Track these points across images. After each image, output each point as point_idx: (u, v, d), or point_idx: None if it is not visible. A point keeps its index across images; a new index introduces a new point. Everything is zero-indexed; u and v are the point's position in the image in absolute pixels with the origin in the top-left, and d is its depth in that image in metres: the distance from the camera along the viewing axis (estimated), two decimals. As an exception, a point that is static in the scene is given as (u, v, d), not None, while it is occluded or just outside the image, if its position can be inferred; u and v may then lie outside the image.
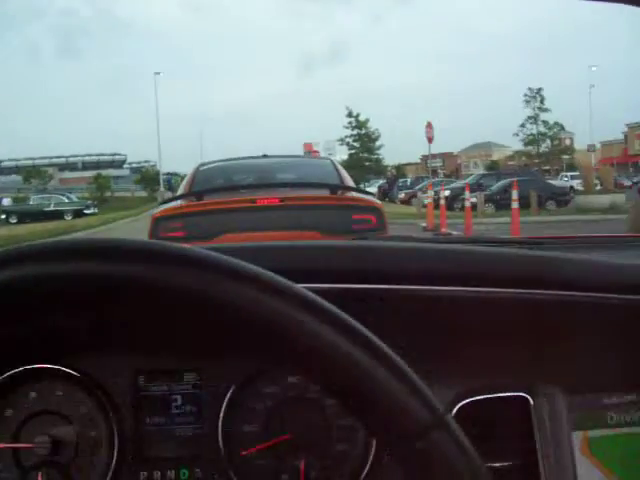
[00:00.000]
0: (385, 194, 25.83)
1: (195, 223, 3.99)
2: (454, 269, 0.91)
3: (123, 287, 0.48)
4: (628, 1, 0.79)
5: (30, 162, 58.95)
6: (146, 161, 59.50)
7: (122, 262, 0.48)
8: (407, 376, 0.47)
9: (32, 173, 50.99)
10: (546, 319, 0.90)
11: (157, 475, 0.98)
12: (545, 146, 43.85)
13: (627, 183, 32.18)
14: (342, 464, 0.98)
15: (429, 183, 20.52)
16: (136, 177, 53.29)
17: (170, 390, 1.00)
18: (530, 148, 44.22)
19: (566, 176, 35.72)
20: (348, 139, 44.87)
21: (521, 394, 0.91)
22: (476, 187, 23.46)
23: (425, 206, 17.49)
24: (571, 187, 25.78)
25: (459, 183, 28.26)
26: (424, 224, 15.47)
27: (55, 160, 64.68)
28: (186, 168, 5.65)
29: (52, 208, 33.25)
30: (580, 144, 48.66)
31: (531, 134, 43.34)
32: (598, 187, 21.02)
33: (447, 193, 20.00)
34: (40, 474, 0.98)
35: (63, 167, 65.73)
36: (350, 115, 44.54)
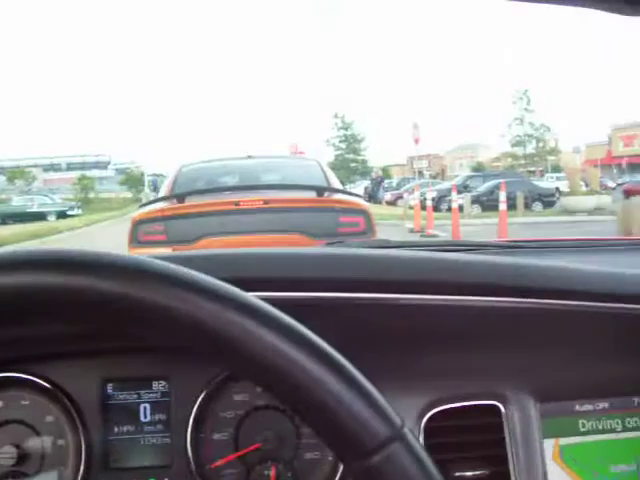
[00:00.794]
0: (371, 195, 25.83)
1: (176, 226, 3.95)
2: (422, 277, 0.90)
3: (79, 299, 0.46)
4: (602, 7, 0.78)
5: (14, 163, 58.54)
6: (131, 162, 59.23)
7: (76, 273, 0.46)
8: (363, 388, 0.45)
9: (16, 174, 50.62)
10: (517, 327, 0.89)
11: None
12: (531, 147, 44.10)
13: (611, 184, 32.43)
14: (312, 472, 0.97)
15: (416, 184, 20.55)
16: (121, 178, 53.04)
17: (139, 399, 0.99)
18: (516, 149, 44.46)
19: (552, 177, 35.94)
20: (334, 140, 45.01)
21: (492, 402, 0.90)
22: (462, 188, 23.56)
23: (411, 207, 17.52)
24: (557, 188, 25.89)
25: (445, 184, 28.34)
26: (410, 225, 15.50)
27: (39, 161, 64.24)
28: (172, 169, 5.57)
29: (35, 209, 32.97)
30: (565, 146, 49.07)
31: (518, 135, 43.59)
32: (583, 188, 21.13)
33: (434, 194, 20.04)
34: None
35: (47, 168, 65.31)
36: (336, 116, 44.67)
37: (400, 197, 27.01)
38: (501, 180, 16.94)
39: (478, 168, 48.86)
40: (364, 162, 45.50)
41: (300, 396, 0.45)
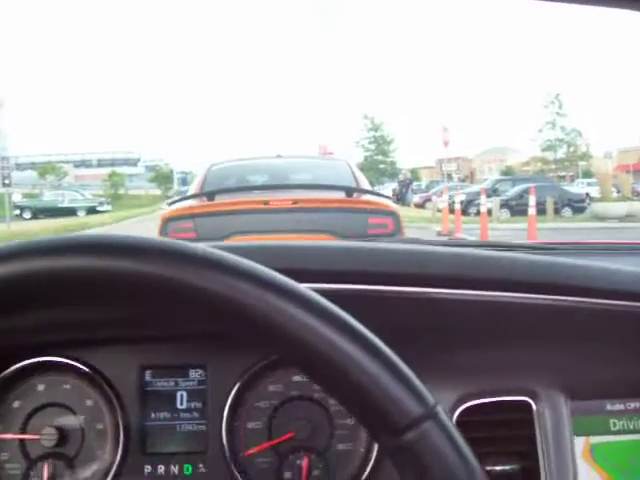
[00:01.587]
0: (399, 197, 25.73)
1: (206, 224, 3.98)
2: (457, 272, 0.91)
3: (125, 283, 0.48)
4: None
5: (46, 158, 59.37)
6: (160, 159, 59.74)
7: (125, 258, 0.48)
8: (398, 367, 0.47)
9: (47, 169, 51.31)
10: (550, 324, 0.90)
11: (161, 470, 0.99)
12: (562, 152, 43.59)
13: (644, 190, 31.89)
14: (344, 463, 0.99)
15: (445, 187, 20.44)
16: (151, 175, 53.55)
17: (176, 386, 1.01)
18: (547, 154, 43.98)
19: (582, 183, 35.48)
20: (363, 141, 44.95)
21: (523, 398, 0.91)
22: (491, 192, 23.36)
23: (440, 210, 17.41)
24: (587, 194, 25.54)
25: (474, 188, 28.13)
26: (438, 228, 15.40)
27: (70, 157, 65.08)
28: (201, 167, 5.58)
29: (66, 205, 33.45)
30: (597, 151, 48.41)
31: (548, 140, 43.12)
32: (615, 194, 20.82)
33: (462, 198, 19.90)
34: (46, 465, 1.00)
35: (78, 164, 66.11)
36: (366, 117, 44.59)
37: (428, 200, 26.86)
38: (531, 184, 16.76)
39: (507, 172, 48.48)
40: (393, 164, 45.35)
41: (336, 375, 0.46)
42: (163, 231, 4.05)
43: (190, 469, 0.99)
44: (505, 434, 0.89)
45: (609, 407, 0.88)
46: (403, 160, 49.09)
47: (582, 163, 45.56)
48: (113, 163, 63.02)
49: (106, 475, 0.99)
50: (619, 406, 0.89)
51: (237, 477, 0.97)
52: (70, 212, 31.70)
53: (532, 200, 12.36)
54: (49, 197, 35.64)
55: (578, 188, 31.41)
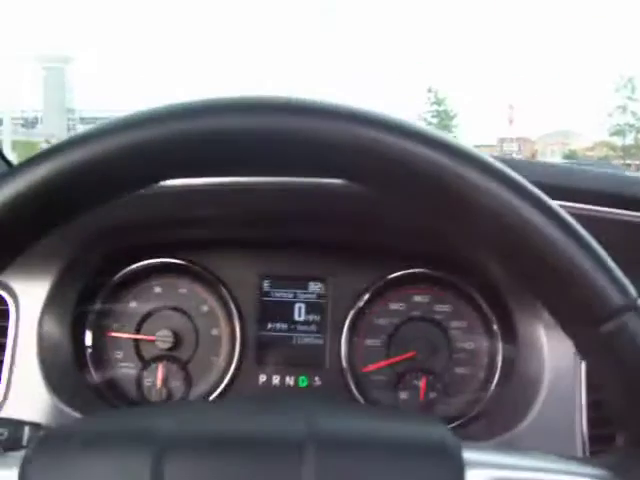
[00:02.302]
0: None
1: None
2: None
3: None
4: None
5: (108, 114, 60.59)
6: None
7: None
8: (601, 256, 0.44)
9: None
10: None
11: (276, 380, 0.99)
12: (631, 138, 42.25)
13: None
14: (462, 387, 0.97)
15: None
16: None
17: (294, 297, 1.01)
18: (614, 139, 42.71)
19: (650, 172, 34.40)
20: (425, 115, 44.35)
21: None
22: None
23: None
24: (654, 184, 24.74)
25: (535, 169, 27.54)
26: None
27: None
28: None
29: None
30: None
31: (617, 124, 41.82)
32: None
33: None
34: (160, 366, 1.01)
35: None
36: (429, 90, 43.97)
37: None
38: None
39: (570, 156, 47.29)
40: (455, 139, 44.70)
41: (532, 258, 0.44)
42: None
43: (305, 381, 0.98)
44: None
45: None
46: (464, 137, 48.44)
47: (651, 152, 44.14)
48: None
49: (220, 382, 0.99)
50: None
51: (354, 392, 0.96)
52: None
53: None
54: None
55: (645, 177, 30.43)
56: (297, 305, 1.00)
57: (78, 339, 1.00)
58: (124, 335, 1.01)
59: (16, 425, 0.70)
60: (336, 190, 0.76)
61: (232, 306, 0.99)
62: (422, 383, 0.95)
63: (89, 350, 1.01)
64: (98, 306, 1.01)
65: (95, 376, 1.01)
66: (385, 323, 0.99)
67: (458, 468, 0.40)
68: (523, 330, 0.93)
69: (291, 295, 1.00)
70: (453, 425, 0.94)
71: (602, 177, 0.92)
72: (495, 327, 0.98)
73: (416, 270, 0.99)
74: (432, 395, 0.96)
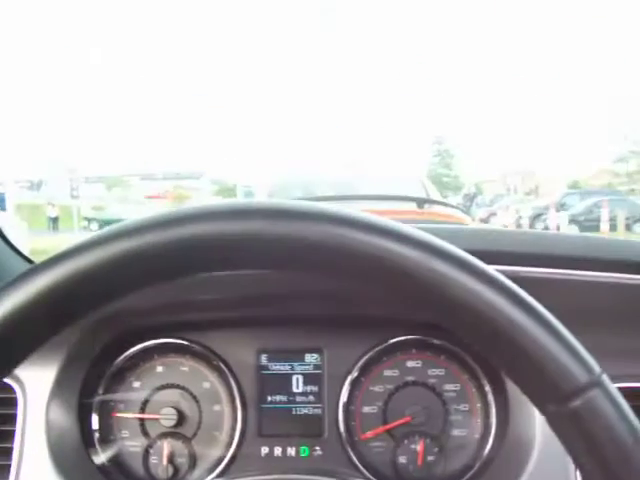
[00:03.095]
0: (463, 211, 25.26)
1: None
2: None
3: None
4: None
5: (113, 173, 61.16)
6: (223, 175, 60.66)
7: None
8: (565, 336, 0.46)
9: (114, 182, 52.84)
10: None
11: (278, 451, 1.02)
12: (635, 164, 42.28)
13: None
14: (459, 449, 0.99)
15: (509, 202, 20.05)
16: (215, 189, 54.55)
17: (292, 370, 1.04)
18: (618, 165, 42.74)
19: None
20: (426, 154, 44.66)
21: None
22: (559, 206, 22.79)
23: (506, 226, 17.12)
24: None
25: (540, 202, 27.50)
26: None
27: (137, 171, 66.87)
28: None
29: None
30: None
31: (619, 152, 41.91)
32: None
33: (530, 212, 19.43)
34: (165, 443, 1.03)
35: (145, 177, 67.91)
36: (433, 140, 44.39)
37: (494, 214, 26.44)
38: (601, 198, 16.24)
39: (574, 185, 47.27)
40: (456, 177, 44.95)
41: (500, 340, 0.46)
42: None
43: (307, 451, 1.01)
44: None
45: None
46: (466, 173, 48.61)
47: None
48: (178, 176, 64.49)
49: (224, 456, 1.02)
50: None
51: (354, 460, 0.99)
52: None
53: (605, 214, 12.00)
54: (115, 211, 36.58)
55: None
56: (295, 377, 1.03)
57: (85, 422, 1.03)
58: (129, 415, 1.04)
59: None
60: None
61: (232, 382, 1.02)
62: (420, 447, 0.98)
63: (96, 432, 1.04)
64: (103, 389, 1.05)
65: (102, 456, 1.04)
66: (380, 390, 1.02)
67: None
68: (513, 391, 0.95)
69: (288, 367, 1.04)
70: None
71: (570, 240, 0.96)
72: (487, 389, 1.01)
73: (408, 337, 1.03)
74: (430, 458, 0.98)
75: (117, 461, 1.04)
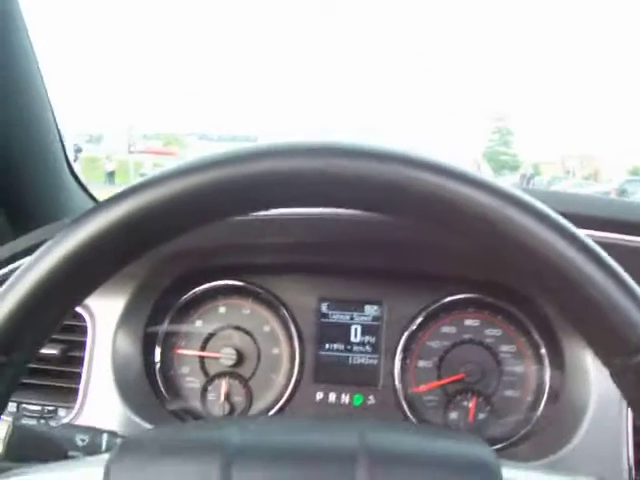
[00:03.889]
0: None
1: None
2: None
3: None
4: None
5: (172, 132, 61.83)
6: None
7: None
8: (634, 290, 0.47)
9: (171, 140, 53.39)
10: None
11: (332, 398, 1.04)
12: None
13: None
14: (510, 409, 1.00)
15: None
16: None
17: (351, 320, 1.06)
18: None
19: None
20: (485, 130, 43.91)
21: None
22: (620, 193, 22.11)
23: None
24: None
25: (599, 187, 26.73)
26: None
27: (194, 130, 67.55)
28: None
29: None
30: None
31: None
32: None
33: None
34: (224, 382, 1.07)
35: (201, 137, 68.51)
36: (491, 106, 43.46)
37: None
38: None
39: (634, 172, 45.87)
40: (514, 156, 44.07)
41: (570, 291, 0.47)
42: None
43: (360, 400, 1.03)
44: None
45: None
46: (525, 153, 47.56)
47: None
48: (233, 139, 64.96)
49: (279, 398, 1.05)
50: None
51: (406, 411, 1.01)
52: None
53: (667, 201, 11.60)
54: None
55: None
56: (353, 327, 1.05)
57: (148, 355, 1.07)
58: (190, 352, 1.08)
59: (95, 432, 0.76)
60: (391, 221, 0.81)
61: (292, 327, 1.05)
62: (472, 404, 0.99)
63: (157, 365, 1.08)
64: (167, 325, 1.09)
65: (163, 389, 1.08)
66: (437, 346, 1.03)
67: None
68: (570, 356, 0.96)
69: (348, 317, 1.06)
70: (500, 446, 0.97)
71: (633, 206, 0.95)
72: (543, 352, 1.01)
73: (468, 295, 1.03)
74: (481, 416, 1.00)
75: (176, 395, 1.09)
